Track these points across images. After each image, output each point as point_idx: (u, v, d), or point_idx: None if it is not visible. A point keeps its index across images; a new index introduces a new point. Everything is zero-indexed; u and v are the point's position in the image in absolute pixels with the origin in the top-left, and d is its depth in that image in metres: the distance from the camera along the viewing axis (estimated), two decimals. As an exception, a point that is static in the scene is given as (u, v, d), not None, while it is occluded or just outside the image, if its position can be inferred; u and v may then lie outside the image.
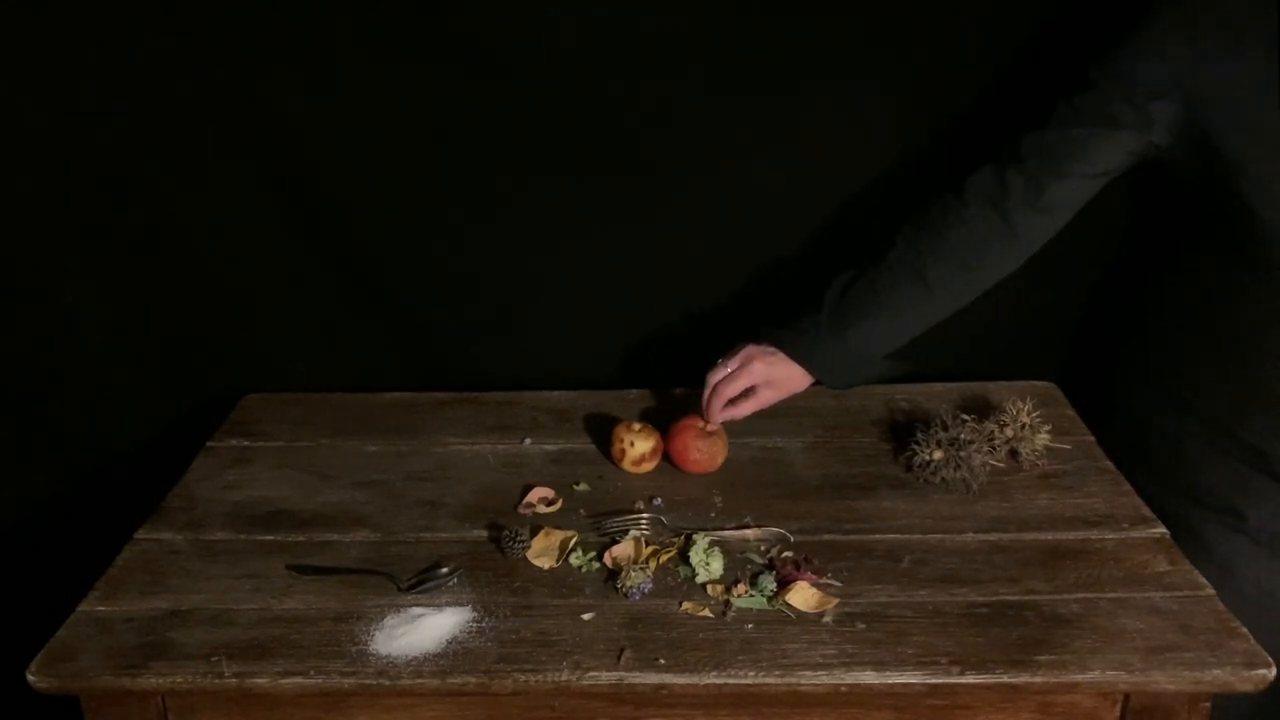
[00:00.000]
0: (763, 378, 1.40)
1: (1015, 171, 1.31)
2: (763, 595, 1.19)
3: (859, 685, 1.09)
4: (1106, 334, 1.58)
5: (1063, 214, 1.33)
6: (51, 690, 1.13)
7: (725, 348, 1.68)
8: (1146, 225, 1.52)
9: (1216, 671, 1.08)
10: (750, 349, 1.41)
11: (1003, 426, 1.42)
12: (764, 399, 1.42)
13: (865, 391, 1.60)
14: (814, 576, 1.22)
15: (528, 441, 1.53)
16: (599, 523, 1.34)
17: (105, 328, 1.64)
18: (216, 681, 1.11)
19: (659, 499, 1.39)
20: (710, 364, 1.66)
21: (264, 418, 1.61)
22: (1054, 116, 1.31)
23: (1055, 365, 1.67)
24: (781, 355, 1.39)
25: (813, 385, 1.42)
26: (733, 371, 1.40)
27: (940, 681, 1.09)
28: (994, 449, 1.40)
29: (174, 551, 1.31)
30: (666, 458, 1.45)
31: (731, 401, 1.42)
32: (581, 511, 1.37)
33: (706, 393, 1.42)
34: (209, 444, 1.54)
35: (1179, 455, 1.40)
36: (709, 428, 1.43)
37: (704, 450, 1.42)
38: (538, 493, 1.39)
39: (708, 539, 1.26)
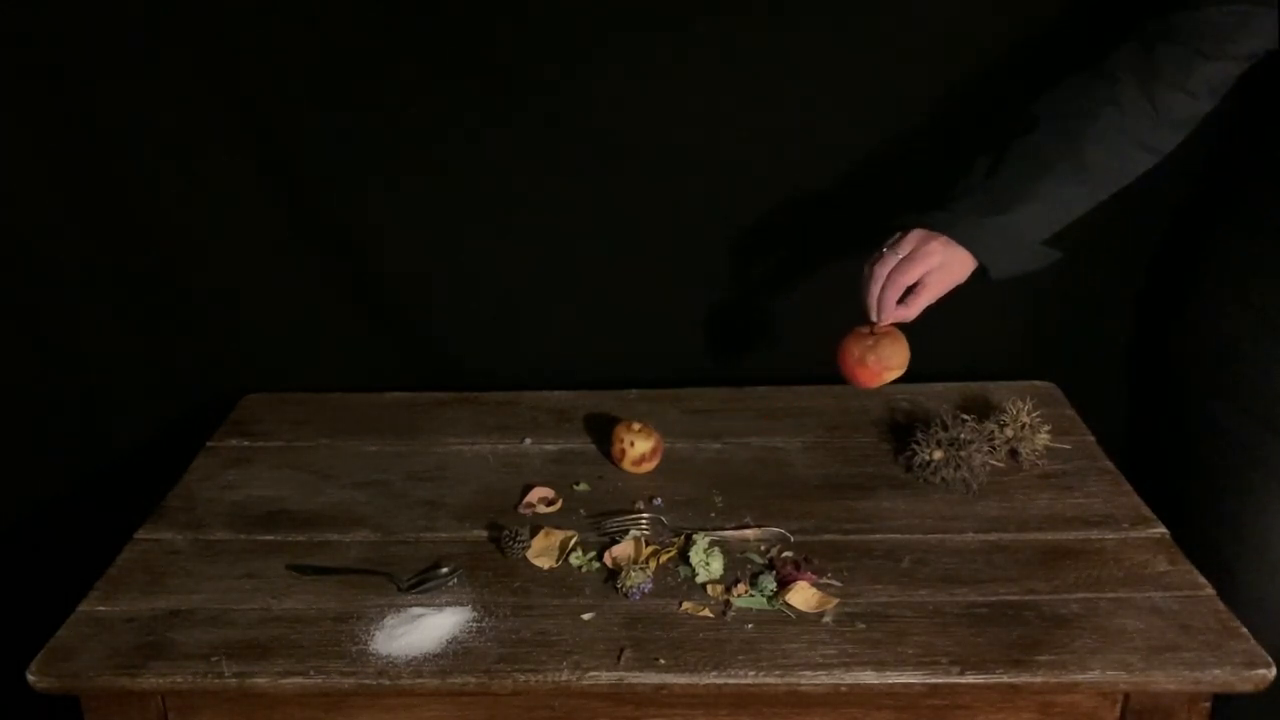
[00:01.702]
0: (939, 261, 1.25)
1: (1165, 49, 1.23)
2: (763, 595, 1.19)
3: (859, 685, 1.09)
4: (1188, 256, 1.50)
5: (1206, 100, 1.25)
6: (51, 690, 1.13)
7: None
8: (1236, 144, 1.44)
9: (1216, 671, 1.08)
10: (918, 232, 1.26)
11: (1003, 426, 1.42)
12: (934, 289, 1.27)
13: (865, 391, 1.59)
14: (814, 576, 1.22)
15: (528, 441, 1.53)
16: (599, 523, 1.34)
17: (105, 327, 1.65)
18: (216, 681, 1.11)
19: (659, 499, 1.38)
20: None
21: (264, 418, 1.61)
22: None
23: (1130, 298, 1.61)
24: (947, 239, 1.26)
25: (971, 278, 1.29)
26: (905, 257, 1.26)
27: (940, 681, 1.09)
28: (994, 449, 1.40)
29: (174, 551, 1.31)
30: (841, 379, 1.34)
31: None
32: (581, 511, 1.37)
33: (875, 287, 1.27)
34: (209, 444, 1.54)
35: (1265, 382, 1.35)
36: (880, 327, 1.30)
37: (882, 355, 1.30)
38: (538, 493, 1.39)
39: (708, 539, 1.26)
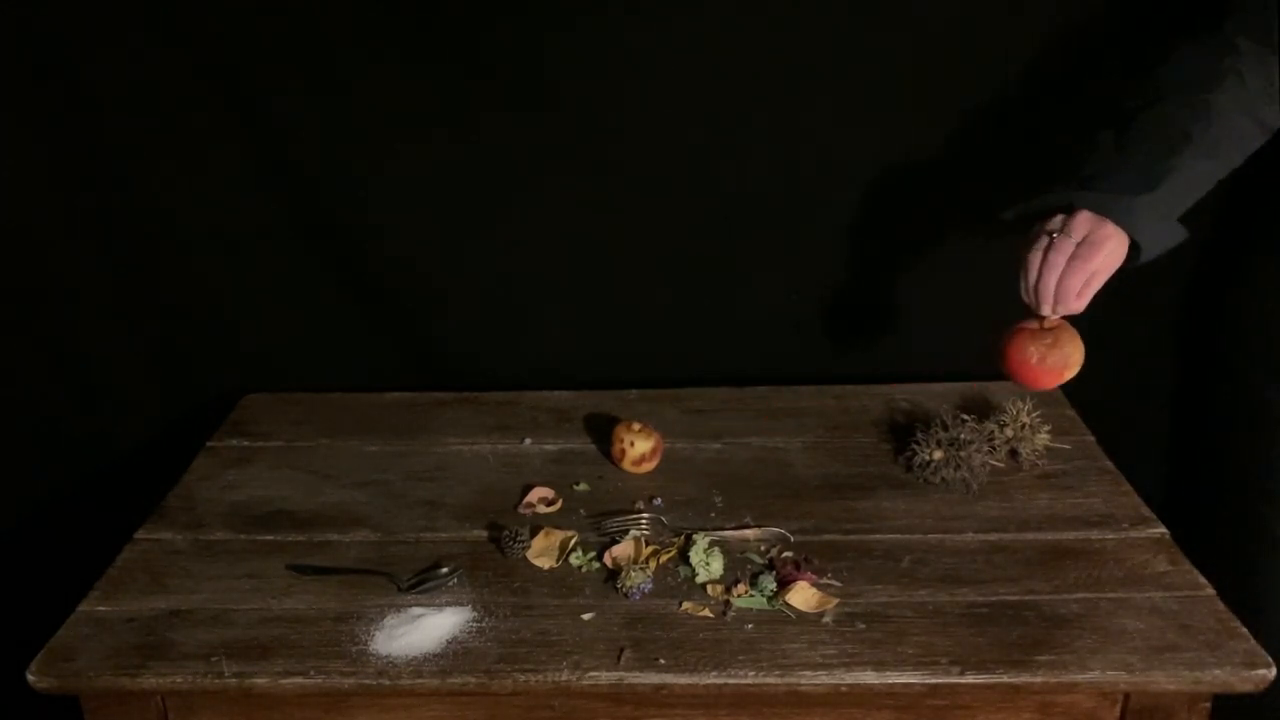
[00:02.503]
0: (1114, 245, 1.15)
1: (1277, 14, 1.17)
2: (763, 595, 1.19)
3: (859, 685, 1.09)
4: (1241, 238, 1.46)
5: None
6: (51, 690, 1.13)
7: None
8: None
9: (1216, 671, 1.08)
10: (1086, 214, 1.15)
11: (1003, 426, 1.42)
12: (1103, 276, 1.16)
13: (865, 391, 1.60)
14: (814, 576, 1.21)
15: (528, 441, 1.53)
16: (599, 523, 1.34)
17: (106, 327, 1.65)
18: (216, 681, 1.11)
19: (659, 499, 1.38)
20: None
21: (264, 418, 1.61)
22: None
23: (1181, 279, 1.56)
24: (1114, 221, 1.16)
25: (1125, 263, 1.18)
26: (1081, 242, 1.15)
27: (940, 681, 1.09)
28: (994, 449, 1.40)
29: (174, 551, 1.31)
30: (1004, 377, 1.24)
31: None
32: (581, 511, 1.37)
33: (1052, 276, 1.16)
34: (209, 444, 1.54)
35: None
36: (1050, 321, 1.20)
37: (1065, 352, 1.21)
38: (538, 493, 1.39)
39: (708, 539, 1.26)
